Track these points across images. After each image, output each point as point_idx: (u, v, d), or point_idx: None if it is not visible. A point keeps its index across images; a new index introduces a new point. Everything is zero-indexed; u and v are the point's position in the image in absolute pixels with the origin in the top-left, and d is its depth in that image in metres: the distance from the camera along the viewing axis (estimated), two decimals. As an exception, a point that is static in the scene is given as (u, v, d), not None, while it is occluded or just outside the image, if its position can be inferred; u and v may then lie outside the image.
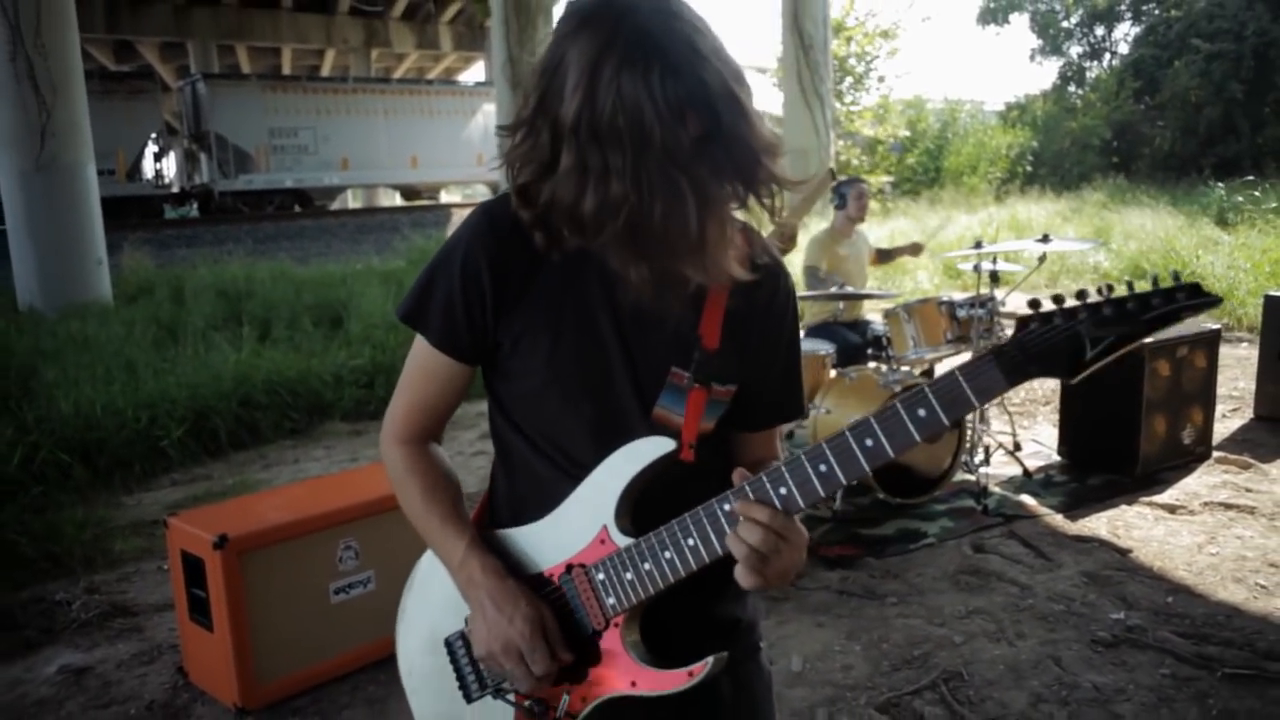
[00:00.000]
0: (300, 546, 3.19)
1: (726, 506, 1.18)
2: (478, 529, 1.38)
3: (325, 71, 35.02)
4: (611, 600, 1.26)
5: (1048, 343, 1.05)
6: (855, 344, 5.42)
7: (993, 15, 35.52)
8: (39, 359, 7.21)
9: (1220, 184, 17.99)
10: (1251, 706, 3.00)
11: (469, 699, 1.37)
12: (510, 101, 13.47)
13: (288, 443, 6.49)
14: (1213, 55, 24.95)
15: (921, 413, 1.09)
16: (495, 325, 1.29)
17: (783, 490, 1.16)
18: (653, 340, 1.29)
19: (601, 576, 1.26)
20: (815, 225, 7.47)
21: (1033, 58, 35.95)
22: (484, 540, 1.35)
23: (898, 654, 3.41)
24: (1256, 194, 16.17)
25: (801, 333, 5.77)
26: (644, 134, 1.08)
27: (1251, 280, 9.97)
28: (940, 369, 5.85)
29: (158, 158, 24.02)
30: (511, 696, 1.33)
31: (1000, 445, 5.47)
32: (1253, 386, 6.35)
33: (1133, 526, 4.50)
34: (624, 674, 1.26)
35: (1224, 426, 6.00)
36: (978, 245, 5.36)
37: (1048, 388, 6.99)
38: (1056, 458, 5.51)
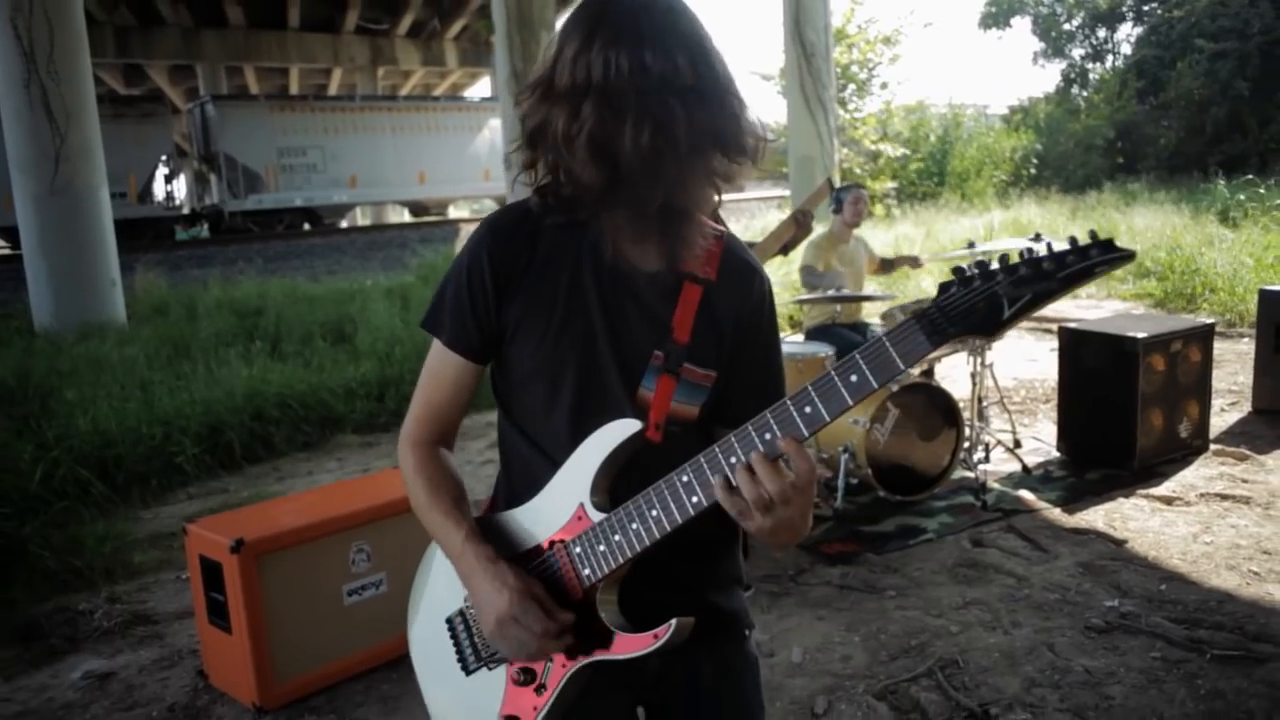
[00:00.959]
0: (314, 549, 3.31)
1: (685, 477, 1.28)
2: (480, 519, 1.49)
3: (332, 90, 35.37)
4: (586, 571, 1.37)
5: (968, 303, 1.10)
6: (855, 343, 5.51)
7: (994, 19, 35.67)
8: (57, 379, 7.36)
9: (1224, 182, 18.01)
10: (1239, 686, 3.09)
11: (467, 671, 1.48)
12: (516, 116, 13.63)
13: (301, 455, 6.62)
14: (1218, 54, 24.99)
15: (854, 378, 1.16)
16: (498, 317, 1.41)
17: (732, 460, 1.25)
18: (635, 322, 1.40)
19: (578, 550, 1.37)
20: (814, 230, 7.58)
21: (1035, 60, 36.08)
22: (481, 525, 1.46)
23: (896, 644, 3.50)
24: (1261, 191, 16.20)
25: (800, 336, 5.87)
26: (631, 84, 1.24)
27: (1253, 276, 10.02)
28: (939, 368, 5.94)
29: (168, 179, 24.25)
30: (503, 666, 1.44)
31: (1000, 443, 5.55)
32: (1251, 381, 6.41)
33: (1129, 518, 4.58)
34: (597, 639, 1.37)
35: (1222, 420, 6.07)
36: (970, 245, 5.45)
37: (1048, 385, 7.07)
38: (1056, 454, 5.59)
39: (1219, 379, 6.57)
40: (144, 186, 22.86)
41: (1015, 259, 1.09)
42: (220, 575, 3.21)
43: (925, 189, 22.97)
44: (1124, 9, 32.45)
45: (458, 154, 26.93)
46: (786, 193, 20.46)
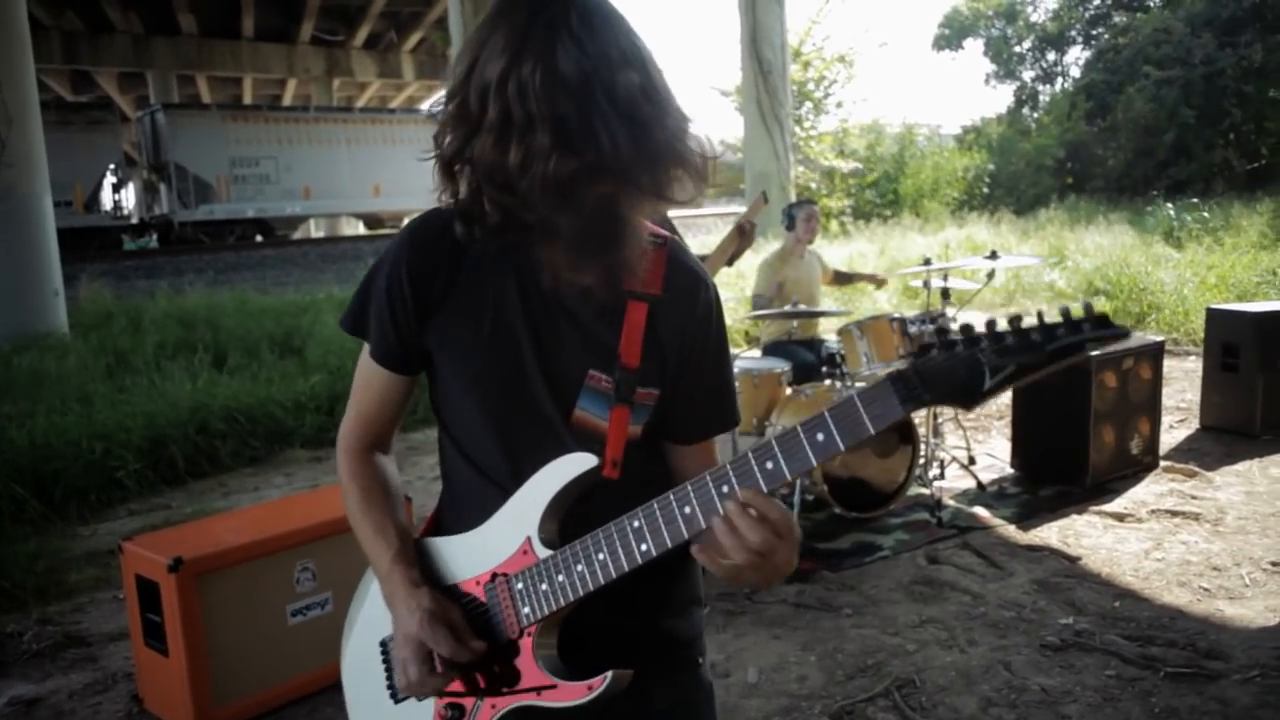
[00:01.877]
0: (257, 568, 3.20)
1: (636, 523, 1.21)
2: (424, 536, 1.42)
3: (287, 101, 34.96)
4: (526, 609, 1.29)
5: (947, 369, 1.03)
6: (809, 363, 5.50)
7: (948, 41, 36.28)
8: (-7, 391, 7.13)
9: (1170, 204, 18.43)
10: (1192, 703, 3.09)
11: (395, 700, 1.41)
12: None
13: (248, 470, 6.46)
14: (1164, 81, 25.59)
15: (820, 437, 1.09)
16: (420, 332, 1.33)
17: (686, 510, 1.18)
18: (568, 340, 1.32)
19: (520, 586, 1.29)
20: (768, 247, 7.60)
21: (987, 81, 36.73)
22: (419, 547, 1.38)
23: (852, 663, 3.46)
24: (1205, 214, 16.58)
25: (757, 351, 5.86)
26: (567, 91, 1.11)
27: (1199, 296, 10.21)
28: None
29: (116, 189, 23.80)
30: (432, 699, 1.36)
31: (954, 459, 5.57)
32: (1199, 398, 6.50)
33: (1082, 535, 4.60)
34: (531, 683, 1.29)
35: (1171, 437, 6.15)
36: (927, 262, 5.47)
37: (1001, 402, 7.11)
38: (1010, 470, 5.61)
39: (1168, 396, 6.66)
40: (91, 195, 22.40)
41: (1004, 326, 1.01)
42: (157, 595, 3.08)
43: (880, 208, 23.22)
44: (1072, 33, 33.17)
45: (413, 167, 26.53)
46: (743, 209, 20.56)
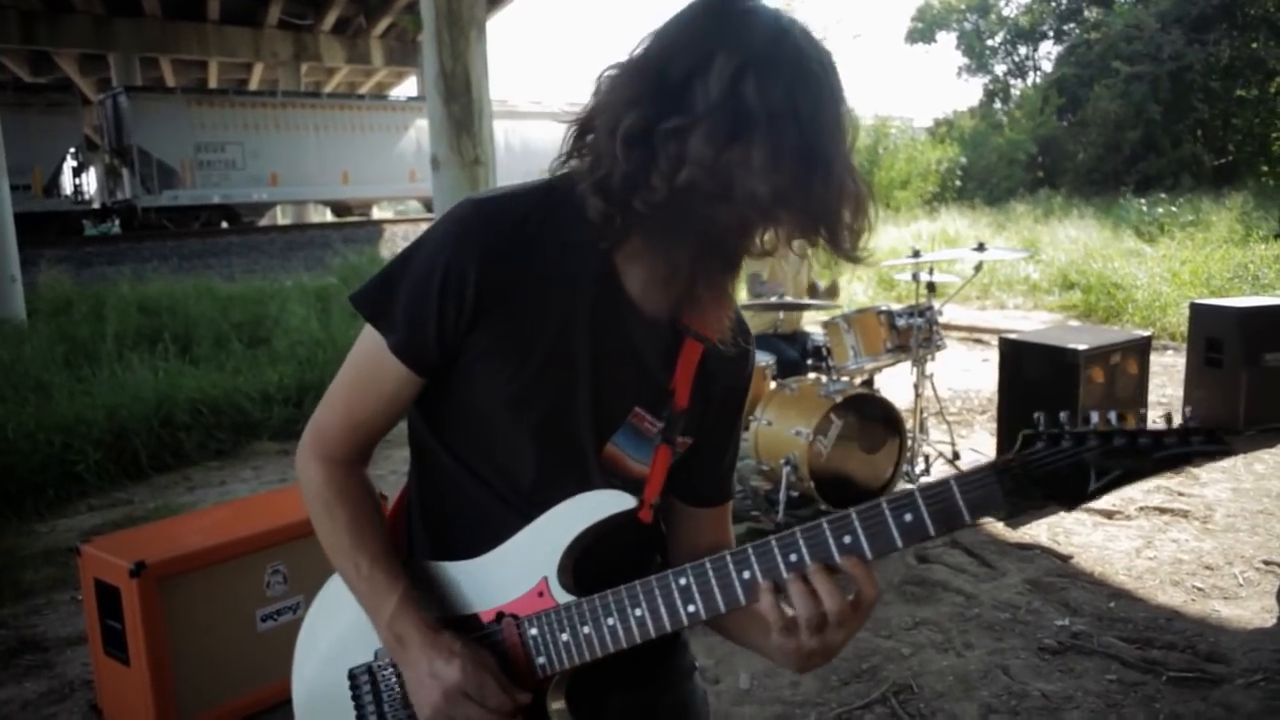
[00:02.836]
0: (224, 572, 3.03)
1: (683, 580, 1.10)
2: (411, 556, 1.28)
3: (253, 86, 34.36)
4: (542, 660, 1.16)
5: (1054, 465, 0.98)
6: (791, 359, 5.39)
7: (920, 34, 36.32)
8: (-55, 380, 6.86)
9: (1140, 199, 18.54)
10: (1197, 709, 3.01)
11: None
12: (443, 116, 13.31)
13: (213, 464, 6.25)
14: (1133, 77, 25.76)
15: (908, 518, 1.02)
16: (467, 334, 1.15)
17: (745, 575, 1.08)
18: (623, 373, 1.19)
19: (534, 632, 1.16)
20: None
21: (960, 75, 36.89)
22: (412, 572, 1.23)
23: (846, 668, 3.35)
24: (1174, 209, 16.69)
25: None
26: (760, 122, 1.00)
27: (1174, 290, 10.23)
28: (880, 379, 5.85)
29: (77, 173, 23.23)
30: None
31: (940, 454, 5.48)
32: (1180, 393, 6.47)
33: (1072, 533, 4.53)
34: None
35: (1155, 432, 6.10)
36: (916, 254, 5.37)
37: (985, 397, 7.05)
38: (995, 466, 5.53)
39: (1149, 391, 6.62)
40: (50, 179, 21.83)
41: (1105, 428, 0.98)
42: (118, 601, 2.90)
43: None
44: (1044, 28, 33.33)
45: (383, 154, 26.36)
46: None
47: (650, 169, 1.03)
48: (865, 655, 3.43)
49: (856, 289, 11.27)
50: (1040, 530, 4.56)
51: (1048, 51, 33.92)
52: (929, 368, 5.29)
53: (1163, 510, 4.76)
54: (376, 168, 26.14)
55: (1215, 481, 5.18)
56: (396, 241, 20.73)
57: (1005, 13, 34.87)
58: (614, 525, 1.16)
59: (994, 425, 5.70)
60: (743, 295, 5.74)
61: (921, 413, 5.36)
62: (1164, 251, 12.75)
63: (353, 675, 1.27)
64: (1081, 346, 5.11)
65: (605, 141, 1.06)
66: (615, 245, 1.12)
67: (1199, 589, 3.91)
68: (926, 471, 5.25)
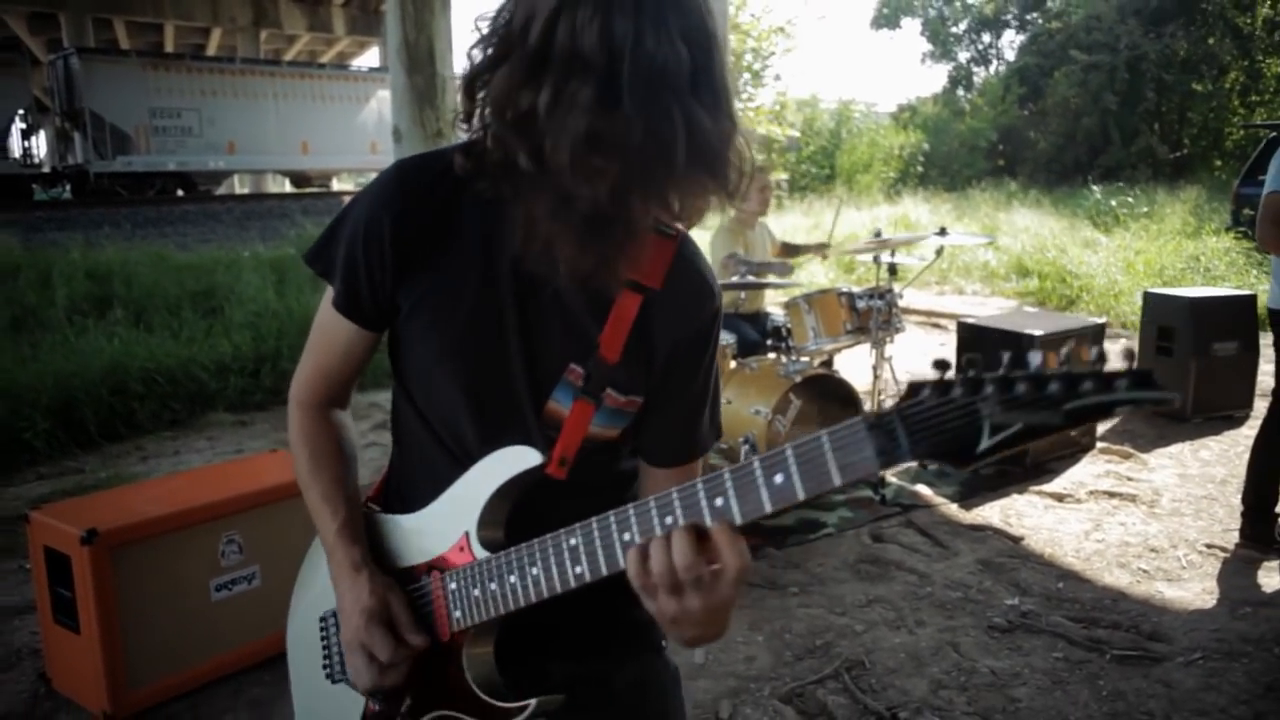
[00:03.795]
0: (178, 540, 2.99)
1: (573, 541, 1.08)
2: (369, 507, 1.32)
3: (211, 51, 33.66)
4: (457, 613, 1.19)
5: (938, 421, 0.83)
6: (753, 340, 5.40)
7: (886, 20, 36.48)
8: (-113, 344, 6.68)
9: (1097, 189, 18.81)
10: (1139, 686, 3.09)
11: (332, 680, 1.32)
12: (406, 87, 13.14)
13: (167, 434, 6.16)
14: (1090, 66, 26.08)
15: (778, 479, 0.93)
16: (395, 288, 1.19)
17: (625, 537, 1.04)
18: (554, 328, 1.19)
19: (453, 586, 1.19)
20: (715, 219, 7.46)
21: (923, 61, 37.16)
22: (369, 521, 1.29)
23: (800, 644, 3.39)
24: (1130, 199, 16.96)
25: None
26: (632, 63, 0.94)
27: (1128, 279, 10.41)
28: (839, 359, 5.90)
29: (26, 135, 22.64)
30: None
31: (896, 436, 5.54)
32: (1131, 380, 6.59)
33: (1024, 515, 4.61)
34: (455, 693, 1.19)
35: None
36: (878, 235, 5.41)
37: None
38: (950, 448, 5.61)
39: (1101, 378, 6.74)
40: (-3, 141, 21.29)
41: (1018, 371, 0.80)
42: (69, 569, 2.86)
43: (816, 181, 23.30)
44: (1008, 16, 33.61)
45: (344, 125, 26.00)
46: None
47: (517, 135, 1.00)
48: (819, 632, 3.47)
49: (816, 271, 11.33)
50: (993, 512, 4.64)
51: (1011, 40, 34.27)
52: (888, 350, 5.34)
53: (1112, 494, 4.86)
54: (337, 138, 25.78)
55: (1163, 467, 5.30)
56: (356, 214, 20.39)
57: (970, 1, 35.11)
58: (528, 482, 1.16)
59: (950, 408, 5.77)
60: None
61: (880, 394, 5.41)
62: (1119, 242, 12.96)
63: (322, 619, 1.34)
64: (1037, 332, 5.18)
65: (466, 103, 1.07)
66: (523, 198, 1.06)
67: (1144, 571, 4.01)
68: (883, 452, 5.31)
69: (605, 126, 0.95)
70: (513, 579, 1.13)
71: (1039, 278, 11.52)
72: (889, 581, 3.90)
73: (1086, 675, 3.16)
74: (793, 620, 3.57)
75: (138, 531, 2.91)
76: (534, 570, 1.11)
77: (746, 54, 23.89)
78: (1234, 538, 4.24)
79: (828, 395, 4.83)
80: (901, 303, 5.41)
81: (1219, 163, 26.13)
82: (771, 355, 5.16)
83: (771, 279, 5.40)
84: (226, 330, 7.57)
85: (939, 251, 5.55)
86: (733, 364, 5.04)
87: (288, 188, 28.90)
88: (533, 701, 1.15)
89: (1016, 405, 0.79)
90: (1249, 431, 5.21)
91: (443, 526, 1.21)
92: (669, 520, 1.00)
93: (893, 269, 5.36)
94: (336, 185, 29.17)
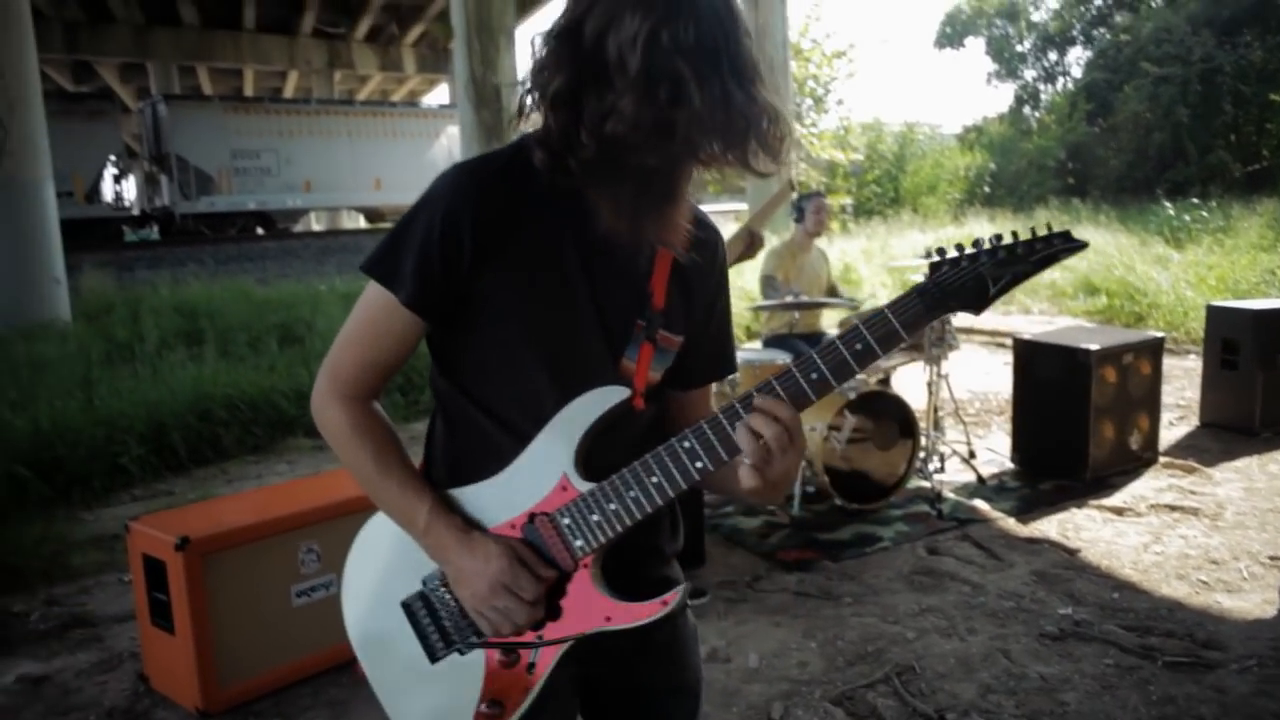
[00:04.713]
0: (262, 549, 3.22)
1: (687, 444, 1.27)
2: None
3: (288, 93, 34.91)
4: (579, 542, 1.32)
5: (960, 281, 1.22)
6: (812, 356, 5.51)
7: (949, 39, 36.25)
8: (-5, 377, 7.15)
9: (1169, 204, 18.44)
10: (1189, 691, 3.11)
11: (434, 658, 1.38)
12: (474, 123, 13.53)
13: (250, 458, 6.48)
14: (1161, 79, 25.58)
15: (859, 346, 1.23)
16: (471, 280, 1.31)
17: (737, 423, 1.26)
18: (618, 292, 1.36)
19: (567, 521, 1.32)
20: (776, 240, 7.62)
21: (989, 81, 36.79)
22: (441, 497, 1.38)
23: (852, 650, 3.49)
24: (1204, 214, 16.59)
25: (758, 344, 5.87)
26: (681, 62, 1.16)
27: (1196, 294, 10.23)
28: (896, 379, 5.97)
29: (117, 180, 23.74)
30: (477, 650, 1.36)
31: (955, 453, 5.59)
32: (1198, 396, 6.53)
33: (1082, 528, 4.63)
34: (597, 611, 1.32)
35: (1171, 434, 6.17)
36: (928, 255, 5.49)
37: (1001, 398, 7.14)
38: (1010, 465, 5.64)
39: (1167, 394, 6.67)
40: (91, 186, 22.33)
41: (988, 246, 1.23)
42: (164, 574, 3.11)
43: (881, 205, 23.24)
44: (1074, 33, 33.16)
45: (414, 160, 26.68)
46: (744, 206, 20.58)
47: (579, 126, 1.20)
48: (871, 639, 3.56)
49: (879, 291, 11.36)
50: (1050, 526, 4.67)
51: (1077, 57, 33.76)
52: (944, 368, 5.40)
53: (1173, 508, 4.84)
54: (408, 174, 26.43)
55: (1228, 481, 5.25)
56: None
57: (1034, 18, 34.75)
58: (614, 416, 1.33)
59: (1010, 426, 5.79)
60: (758, 298, 5.88)
61: (936, 412, 5.47)
62: (1191, 257, 12.72)
63: (407, 606, 1.40)
64: (1094, 347, 5.20)
65: (538, 104, 1.25)
66: (580, 187, 1.27)
67: (1203, 582, 4.01)
68: (941, 469, 5.37)
69: (684, 119, 1.17)
70: (632, 494, 1.29)
71: (1106, 295, 11.38)
72: (942, 591, 3.97)
73: (1137, 681, 3.20)
74: (846, 628, 3.66)
75: (226, 539, 3.14)
76: (653, 479, 1.29)
77: (809, 80, 24.04)
78: (1297, 549, 4.21)
79: (884, 413, 4.92)
80: (965, 322, 5.47)
81: (1299, 174, 25.36)
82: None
83: (815, 299, 5.52)
84: (305, 360, 7.93)
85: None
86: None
87: (362, 223, 29.73)
88: (679, 588, 1.34)
89: (1003, 264, 1.22)
90: (1316, 444, 5.15)
91: (535, 478, 1.34)
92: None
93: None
94: (408, 220, 29.85)
